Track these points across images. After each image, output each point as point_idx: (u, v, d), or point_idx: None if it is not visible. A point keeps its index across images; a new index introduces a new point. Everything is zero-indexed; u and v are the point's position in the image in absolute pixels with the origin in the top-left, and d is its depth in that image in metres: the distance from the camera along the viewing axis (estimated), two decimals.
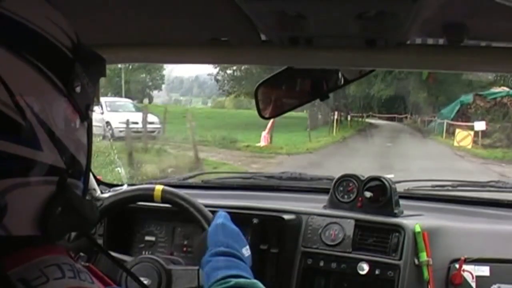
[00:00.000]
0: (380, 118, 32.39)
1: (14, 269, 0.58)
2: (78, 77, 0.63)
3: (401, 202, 1.68)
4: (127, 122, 11.98)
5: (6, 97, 0.56)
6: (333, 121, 20.16)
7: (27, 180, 0.58)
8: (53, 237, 0.63)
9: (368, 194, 1.65)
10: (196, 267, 1.42)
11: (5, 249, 0.59)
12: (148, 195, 1.46)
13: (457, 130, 17.20)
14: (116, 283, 0.76)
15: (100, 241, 1.64)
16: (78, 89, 0.63)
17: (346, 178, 1.72)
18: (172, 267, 1.43)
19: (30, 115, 0.57)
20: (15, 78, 0.57)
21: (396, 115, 30.70)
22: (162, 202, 1.45)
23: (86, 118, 0.66)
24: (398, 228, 1.53)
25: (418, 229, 1.51)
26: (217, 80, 28.53)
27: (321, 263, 1.57)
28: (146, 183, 1.86)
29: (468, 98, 19.74)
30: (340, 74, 1.25)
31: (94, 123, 0.70)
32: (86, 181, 0.68)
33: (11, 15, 0.57)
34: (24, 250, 0.61)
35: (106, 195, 1.65)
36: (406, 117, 30.42)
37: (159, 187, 1.45)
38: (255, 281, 1.00)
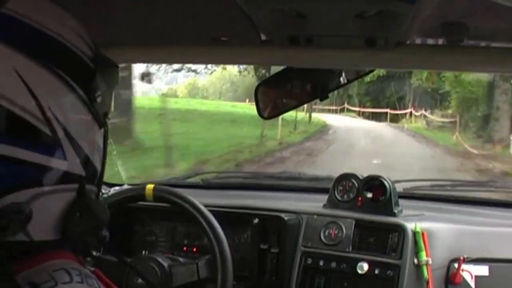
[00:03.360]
0: (362, 114, 19.69)
1: (23, 273, 0.60)
2: (98, 87, 0.65)
3: (401, 202, 1.68)
4: None
5: (34, 108, 0.57)
6: None
7: (52, 189, 0.60)
8: (71, 241, 0.65)
9: (367, 193, 1.65)
10: (195, 261, 1.42)
11: (24, 253, 0.61)
12: (140, 195, 1.48)
13: None
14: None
15: None
16: (99, 99, 0.65)
17: (345, 178, 1.72)
18: (171, 264, 1.44)
19: (56, 126, 0.59)
20: (42, 90, 0.58)
21: (388, 110, 17.77)
22: (155, 201, 1.46)
23: (103, 125, 0.68)
24: (398, 228, 1.53)
25: (417, 228, 1.51)
26: None
27: (321, 263, 1.57)
28: (147, 183, 1.86)
29: None
30: (339, 74, 1.25)
31: None
32: (100, 185, 0.70)
33: (38, 27, 0.59)
34: (34, 254, 0.62)
35: (104, 195, 1.65)
36: (406, 115, 17.33)
37: (150, 186, 1.46)
38: None
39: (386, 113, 17.89)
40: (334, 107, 20.34)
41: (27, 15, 0.58)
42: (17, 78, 0.56)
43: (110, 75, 0.69)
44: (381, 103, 18.48)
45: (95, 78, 0.64)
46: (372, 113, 18.97)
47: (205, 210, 1.41)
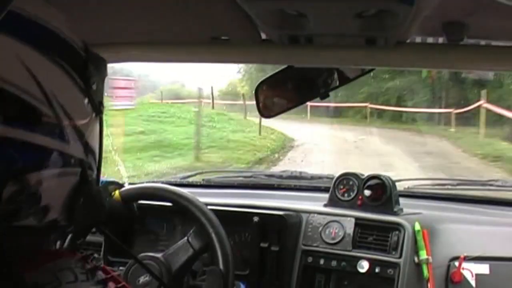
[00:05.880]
0: None
1: (29, 273, 0.60)
2: (92, 74, 0.68)
3: (401, 200, 1.68)
4: None
5: (39, 95, 0.60)
6: None
7: (56, 172, 0.62)
8: (77, 226, 0.67)
9: (368, 192, 1.65)
10: (185, 239, 1.43)
11: (33, 238, 0.63)
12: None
13: None
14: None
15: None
16: (94, 86, 0.69)
17: (346, 177, 1.72)
18: (164, 253, 1.45)
19: (59, 111, 0.62)
20: (45, 78, 0.61)
21: None
22: (124, 203, 1.47)
23: (99, 113, 0.71)
24: (398, 226, 1.53)
25: (418, 227, 1.51)
26: None
27: (321, 261, 1.57)
28: (146, 182, 1.86)
29: None
30: (340, 73, 1.25)
31: None
32: (99, 173, 0.73)
33: (38, 20, 0.62)
34: (38, 253, 0.63)
35: None
36: None
37: (116, 193, 1.47)
38: None
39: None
40: (437, 110, 8.30)
41: (26, 10, 0.61)
42: (20, 64, 0.59)
43: (100, 68, 0.73)
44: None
45: (88, 67, 0.68)
46: None
47: (178, 191, 1.44)
